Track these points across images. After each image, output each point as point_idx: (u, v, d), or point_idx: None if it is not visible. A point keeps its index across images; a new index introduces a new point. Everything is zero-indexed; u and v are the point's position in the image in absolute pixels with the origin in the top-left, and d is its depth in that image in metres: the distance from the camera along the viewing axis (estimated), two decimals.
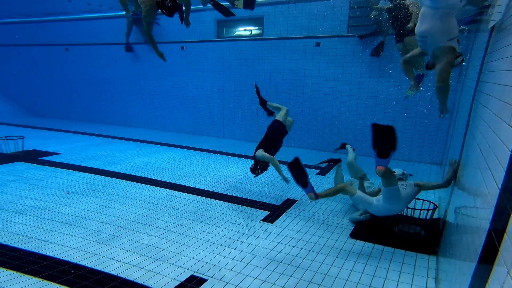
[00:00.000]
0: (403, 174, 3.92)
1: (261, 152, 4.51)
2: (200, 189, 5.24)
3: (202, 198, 4.87)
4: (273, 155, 4.62)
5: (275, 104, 5.13)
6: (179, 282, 2.90)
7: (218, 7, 5.30)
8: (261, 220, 4.19)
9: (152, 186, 5.29)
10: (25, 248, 3.35)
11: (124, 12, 9.36)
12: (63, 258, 3.20)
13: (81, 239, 3.59)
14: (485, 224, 1.48)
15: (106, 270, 3.04)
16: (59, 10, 10.34)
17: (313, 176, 5.97)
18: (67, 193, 4.82)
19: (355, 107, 7.48)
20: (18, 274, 2.94)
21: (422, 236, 3.77)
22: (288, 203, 4.74)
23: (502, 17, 2.62)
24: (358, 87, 7.36)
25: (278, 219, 4.25)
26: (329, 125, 7.87)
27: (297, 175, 3.43)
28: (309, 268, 3.18)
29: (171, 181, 5.56)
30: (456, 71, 6.41)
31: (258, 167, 4.58)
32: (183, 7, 5.10)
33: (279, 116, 4.89)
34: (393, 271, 3.15)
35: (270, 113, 5.21)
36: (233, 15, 5.58)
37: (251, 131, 8.93)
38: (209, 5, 5.44)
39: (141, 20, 5.15)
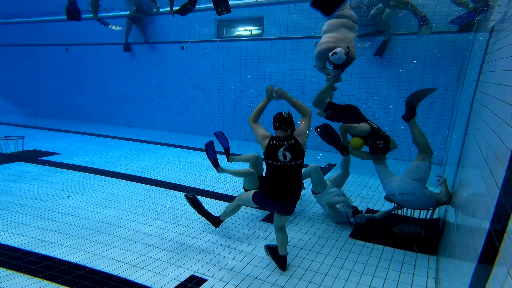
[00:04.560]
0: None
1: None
2: (200, 189, 5.24)
3: (202, 198, 4.86)
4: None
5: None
6: (179, 282, 2.90)
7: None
8: (261, 220, 4.19)
9: (152, 186, 5.29)
10: (25, 248, 3.35)
11: (126, 12, 9.43)
12: (63, 258, 3.20)
13: (81, 239, 3.59)
14: (485, 224, 1.48)
15: (106, 270, 3.04)
16: (59, 10, 10.33)
17: None
18: (68, 195, 4.81)
19: None
20: (18, 274, 2.94)
21: (422, 236, 3.77)
22: None
23: (502, 17, 2.63)
24: (358, 87, 7.36)
25: None
26: None
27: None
28: (309, 268, 3.18)
29: (171, 181, 5.56)
30: (456, 71, 6.43)
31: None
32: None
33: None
34: (393, 271, 3.15)
35: None
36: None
37: (251, 131, 8.91)
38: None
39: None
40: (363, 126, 3.99)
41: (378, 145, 3.74)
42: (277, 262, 3.21)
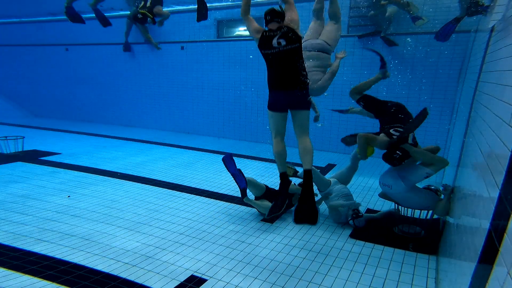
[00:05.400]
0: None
1: None
2: (200, 189, 5.24)
3: (202, 198, 4.87)
4: None
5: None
6: (179, 282, 2.90)
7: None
8: (261, 220, 4.19)
9: (151, 186, 5.29)
10: (25, 248, 3.35)
11: (127, 12, 9.42)
12: (63, 258, 3.20)
13: (81, 239, 3.59)
14: (485, 224, 1.48)
15: (106, 270, 3.04)
16: (59, 10, 10.34)
17: None
18: (68, 196, 4.81)
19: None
20: (18, 274, 2.94)
21: (422, 236, 3.78)
22: (288, 203, 4.73)
23: (502, 17, 2.63)
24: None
25: (278, 219, 4.25)
26: (329, 125, 7.86)
27: None
28: (309, 268, 3.18)
29: (171, 181, 5.56)
30: (456, 71, 6.43)
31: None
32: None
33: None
34: (393, 271, 3.15)
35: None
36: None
37: (251, 131, 8.93)
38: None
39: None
40: (382, 139, 3.56)
41: (394, 155, 3.47)
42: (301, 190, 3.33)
